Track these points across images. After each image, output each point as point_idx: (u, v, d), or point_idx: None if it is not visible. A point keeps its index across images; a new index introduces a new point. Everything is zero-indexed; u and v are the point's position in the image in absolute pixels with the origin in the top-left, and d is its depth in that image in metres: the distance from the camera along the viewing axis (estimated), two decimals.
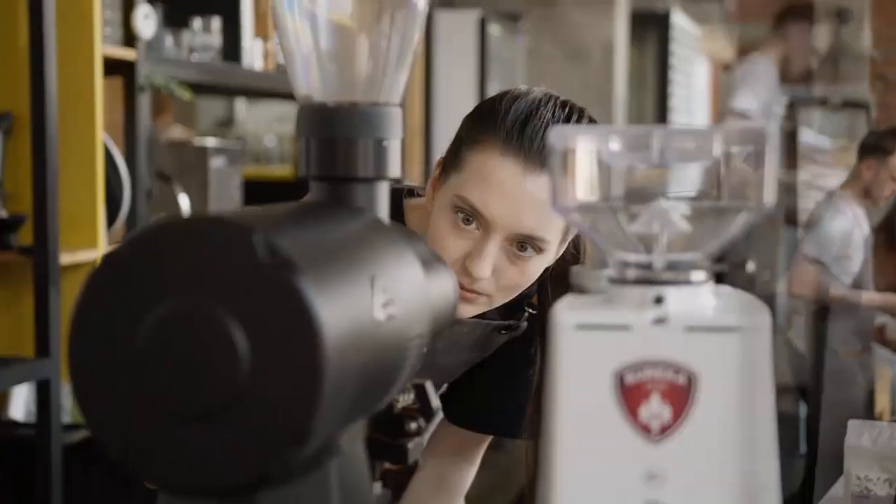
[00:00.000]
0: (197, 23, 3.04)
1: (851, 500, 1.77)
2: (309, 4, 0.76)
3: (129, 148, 2.61)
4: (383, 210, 0.76)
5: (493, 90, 6.28)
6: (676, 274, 0.66)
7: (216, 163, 3.14)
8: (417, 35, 0.78)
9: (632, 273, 0.67)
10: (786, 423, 4.50)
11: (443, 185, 1.29)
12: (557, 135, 0.66)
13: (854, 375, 4.46)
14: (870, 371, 4.58)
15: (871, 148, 4.41)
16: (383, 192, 0.76)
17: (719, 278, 0.69)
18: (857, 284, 4.44)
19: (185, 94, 2.65)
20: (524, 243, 1.25)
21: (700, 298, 0.66)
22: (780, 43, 4.48)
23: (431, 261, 0.80)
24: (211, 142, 3.23)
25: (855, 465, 1.76)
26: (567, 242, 1.33)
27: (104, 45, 2.50)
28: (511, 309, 1.40)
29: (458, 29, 5.72)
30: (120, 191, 2.53)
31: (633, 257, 0.67)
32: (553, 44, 5.94)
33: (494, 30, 5.73)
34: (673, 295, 0.65)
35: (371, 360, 0.64)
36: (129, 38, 2.61)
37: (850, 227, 4.29)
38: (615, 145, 0.65)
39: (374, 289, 0.65)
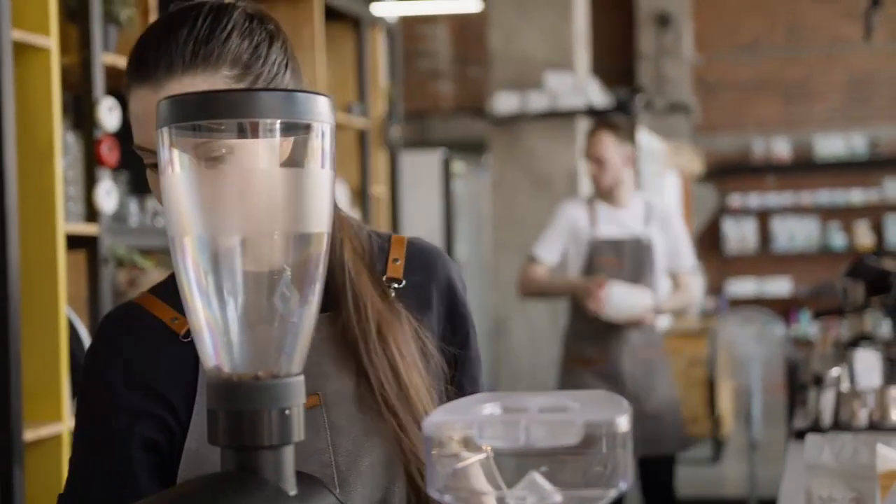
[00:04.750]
0: None
1: None
2: (213, 285, 0.83)
3: (93, 319, 2.66)
4: (288, 471, 0.82)
5: (459, 224, 6.36)
6: None
7: None
8: (316, 305, 0.85)
9: None
10: None
11: None
12: (431, 425, 0.72)
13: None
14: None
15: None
16: (288, 456, 0.82)
17: None
18: None
19: (147, 265, 2.72)
20: None
21: None
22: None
23: None
24: None
25: (817, 485, 1.59)
26: None
27: (67, 222, 2.57)
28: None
29: (423, 168, 5.87)
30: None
31: None
32: (517, 174, 6.05)
33: (458, 167, 5.87)
34: None
35: None
36: (92, 213, 2.68)
37: (566, 225, 4.18)
38: (486, 431, 0.71)
39: None
